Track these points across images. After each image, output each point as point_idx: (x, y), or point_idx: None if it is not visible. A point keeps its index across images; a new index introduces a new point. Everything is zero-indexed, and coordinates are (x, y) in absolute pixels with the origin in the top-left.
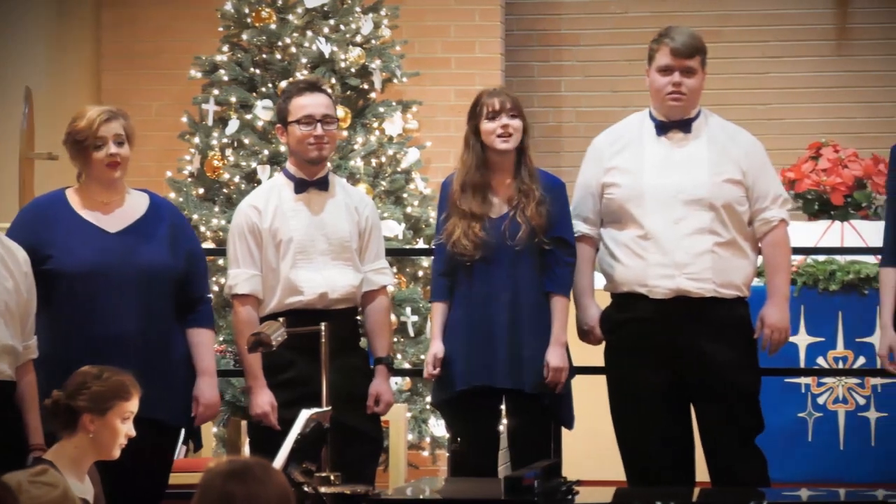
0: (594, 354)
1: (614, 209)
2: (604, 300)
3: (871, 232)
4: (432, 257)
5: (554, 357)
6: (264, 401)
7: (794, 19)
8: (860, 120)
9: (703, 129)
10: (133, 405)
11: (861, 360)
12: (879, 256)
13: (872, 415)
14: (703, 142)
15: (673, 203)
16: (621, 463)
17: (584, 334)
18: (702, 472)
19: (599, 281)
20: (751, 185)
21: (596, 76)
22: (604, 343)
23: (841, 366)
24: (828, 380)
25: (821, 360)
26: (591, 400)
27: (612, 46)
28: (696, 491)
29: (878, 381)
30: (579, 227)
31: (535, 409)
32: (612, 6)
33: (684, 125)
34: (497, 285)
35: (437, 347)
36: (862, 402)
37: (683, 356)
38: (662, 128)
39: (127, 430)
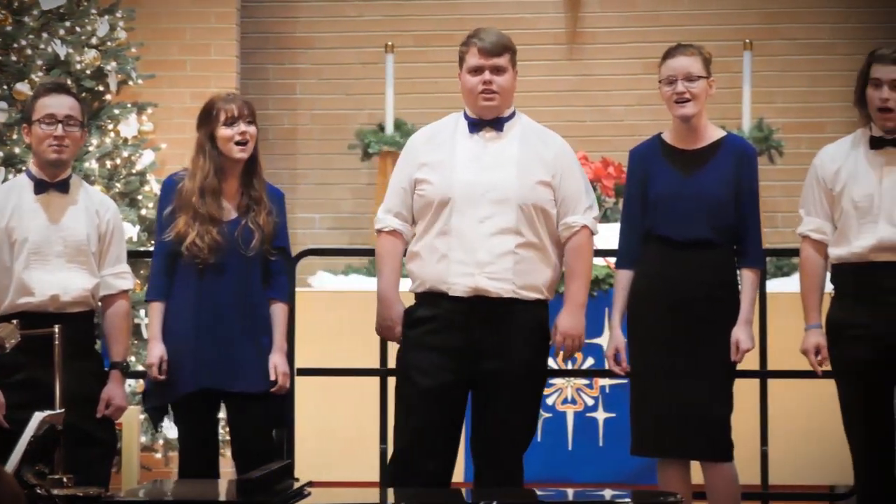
0: (322, 356)
1: (424, 206)
2: (410, 301)
3: (601, 235)
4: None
5: (281, 361)
6: None
7: (526, 23)
8: (590, 123)
9: (515, 128)
10: None
11: (590, 361)
12: (609, 259)
13: (600, 415)
14: (514, 142)
15: (481, 201)
16: (353, 464)
17: (384, 330)
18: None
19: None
20: (557, 188)
21: (331, 79)
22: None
23: (570, 366)
24: (557, 380)
25: (550, 361)
26: (322, 401)
27: (346, 49)
28: (435, 492)
29: (606, 381)
30: (389, 221)
31: (260, 411)
32: (348, 10)
33: (497, 124)
34: (229, 289)
35: (161, 349)
36: (590, 402)
37: (474, 356)
38: (475, 125)
39: None
